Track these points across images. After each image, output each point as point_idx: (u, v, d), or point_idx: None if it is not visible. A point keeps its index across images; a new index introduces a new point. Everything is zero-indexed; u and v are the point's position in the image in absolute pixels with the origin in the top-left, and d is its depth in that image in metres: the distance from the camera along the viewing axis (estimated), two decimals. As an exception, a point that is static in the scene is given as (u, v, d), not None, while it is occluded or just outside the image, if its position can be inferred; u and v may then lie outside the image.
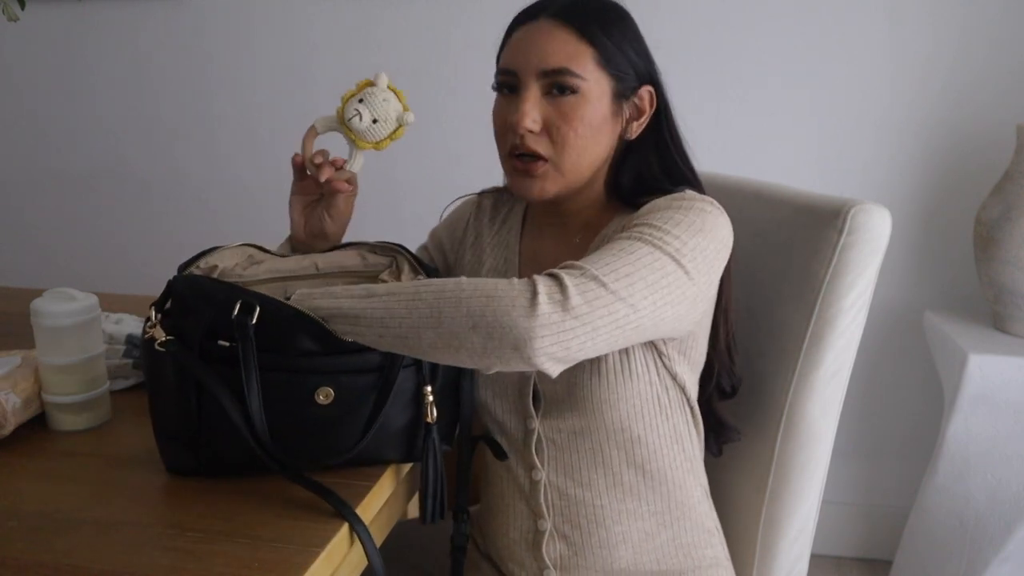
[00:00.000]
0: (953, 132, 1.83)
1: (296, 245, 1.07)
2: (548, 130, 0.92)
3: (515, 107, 0.92)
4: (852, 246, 0.97)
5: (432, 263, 1.14)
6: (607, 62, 0.92)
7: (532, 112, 0.91)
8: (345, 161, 1.01)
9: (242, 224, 2.18)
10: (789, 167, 1.88)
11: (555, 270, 0.79)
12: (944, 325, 1.75)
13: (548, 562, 0.99)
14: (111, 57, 2.16)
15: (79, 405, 0.95)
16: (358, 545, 0.77)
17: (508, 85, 0.94)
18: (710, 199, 0.92)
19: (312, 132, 1.00)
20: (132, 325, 1.12)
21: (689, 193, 0.92)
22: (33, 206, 2.32)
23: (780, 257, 1.05)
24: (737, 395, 1.05)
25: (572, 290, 0.76)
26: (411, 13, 1.97)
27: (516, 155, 0.94)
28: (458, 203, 1.17)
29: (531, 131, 0.92)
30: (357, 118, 0.96)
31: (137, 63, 2.15)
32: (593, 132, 0.92)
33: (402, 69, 2.00)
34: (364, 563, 0.79)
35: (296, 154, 1.02)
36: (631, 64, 0.94)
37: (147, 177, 2.23)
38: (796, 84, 1.85)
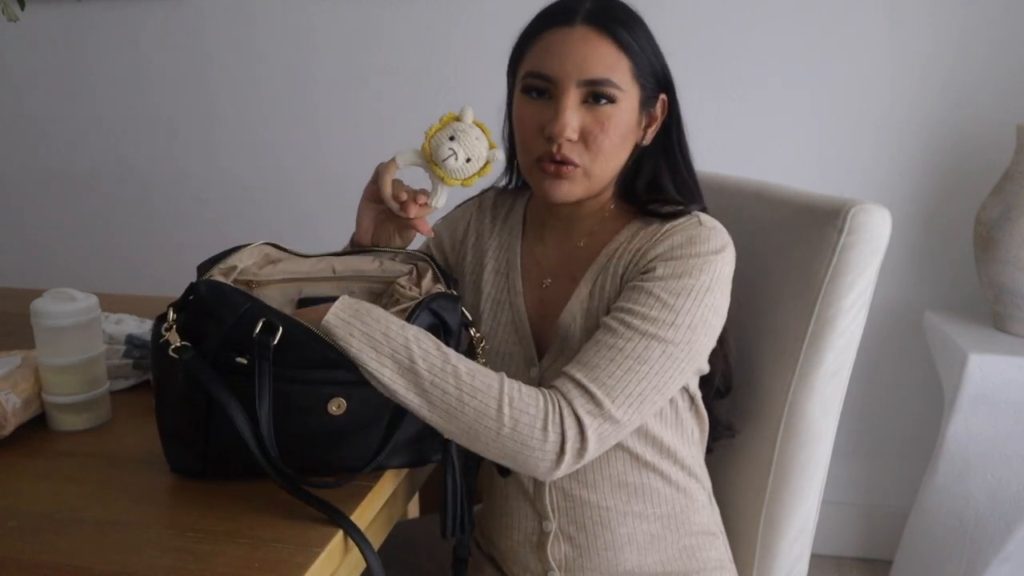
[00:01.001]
0: (953, 132, 1.83)
1: (357, 247, 1.05)
2: (584, 138, 0.92)
3: (553, 114, 0.91)
4: (852, 246, 0.97)
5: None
6: (639, 73, 0.92)
7: (573, 122, 0.91)
8: (428, 195, 0.98)
9: (242, 224, 2.18)
10: (789, 167, 1.88)
11: (579, 410, 0.82)
12: (944, 325, 1.75)
13: (553, 563, 0.99)
14: (111, 57, 2.16)
15: (79, 405, 0.95)
16: (360, 552, 0.76)
17: (539, 89, 0.93)
18: (718, 228, 0.93)
19: (392, 165, 0.97)
20: (132, 325, 1.11)
21: (702, 231, 0.91)
22: (33, 206, 2.32)
23: (780, 257, 1.05)
24: (736, 395, 1.05)
25: (592, 441, 0.82)
26: (411, 13, 1.97)
27: (547, 159, 0.93)
28: (457, 209, 1.16)
29: (570, 139, 0.91)
30: (453, 158, 0.94)
31: (137, 63, 2.15)
32: (622, 140, 0.93)
33: (402, 69, 2.01)
34: (364, 563, 0.79)
35: (376, 180, 0.99)
36: (654, 73, 0.94)
37: (147, 177, 2.23)
38: (796, 84, 1.85)
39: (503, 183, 1.10)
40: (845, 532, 2.05)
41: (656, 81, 0.95)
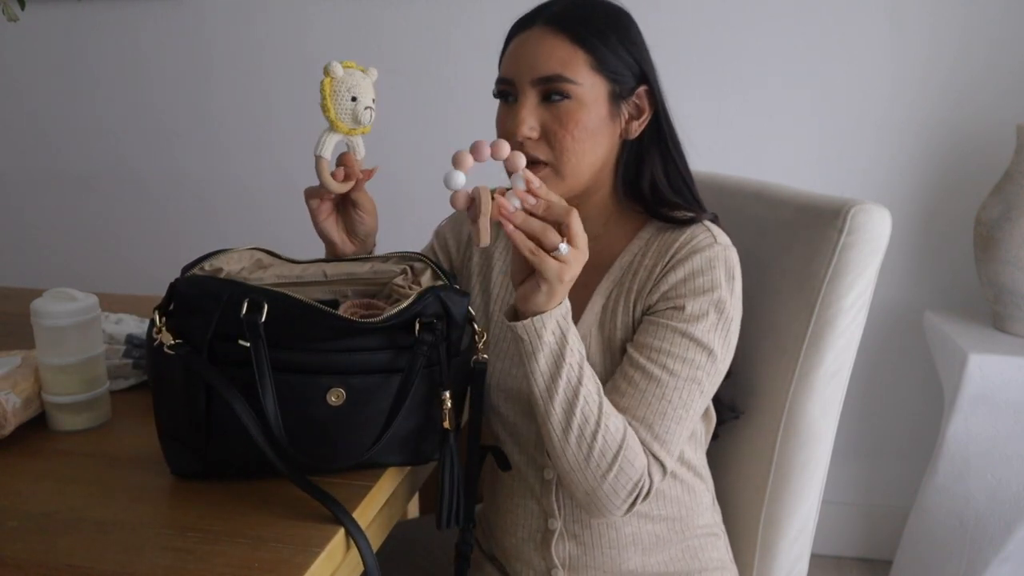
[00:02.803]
0: (953, 132, 1.83)
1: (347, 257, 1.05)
2: (546, 136, 0.93)
3: (513, 115, 0.93)
4: (852, 246, 0.97)
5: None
6: (602, 65, 0.92)
7: (529, 119, 0.92)
8: (353, 161, 1.00)
9: (242, 224, 2.18)
10: (789, 167, 1.88)
11: (654, 476, 0.89)
12: (944, 325, 1.75)
13: (556, 561, 0.99)
14: (111, 57, 2.16)
15: (79, 405, 0.95)
16: (357, 549, 0.77)
17: (506, 94, 0.95)
18: (730, 245, 0.94)
19: (323, 163, 0.98)
20: (132, 325, 1.11)
21: (718, 251, 0.92)
22: (33, 206, 2.32)
23: (780, 257, 1.05)
24: (736, 395, 1.05)
25: (653, 491, 0.90)
26: (411, 13, 1.97)
27: None
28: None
29: (529, 138, 0.92)
30: (370, 111, 0.98)
31: (137, 63, 2.15)
32: (591, 135, 0.93)
33: (402, 69, 2.01)
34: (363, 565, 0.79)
35: (315, 194, 1.01)
36: (626, 65, 0.94)
37: (147, 177, 2.23)
38: (796, 84, 1.85)
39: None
40: (845, 532, 2.05)
41: (631, 73, 0.94)
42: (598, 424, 0.85)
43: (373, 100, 0.98)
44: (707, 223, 0.95)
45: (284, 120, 2.10)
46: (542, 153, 0.93)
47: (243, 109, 2.12)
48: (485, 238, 0.81)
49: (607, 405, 0.87)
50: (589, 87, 0.92)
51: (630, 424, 0.88)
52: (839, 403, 1.04)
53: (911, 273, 1.90)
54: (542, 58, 0.92)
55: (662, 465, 0.89)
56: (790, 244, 1.04)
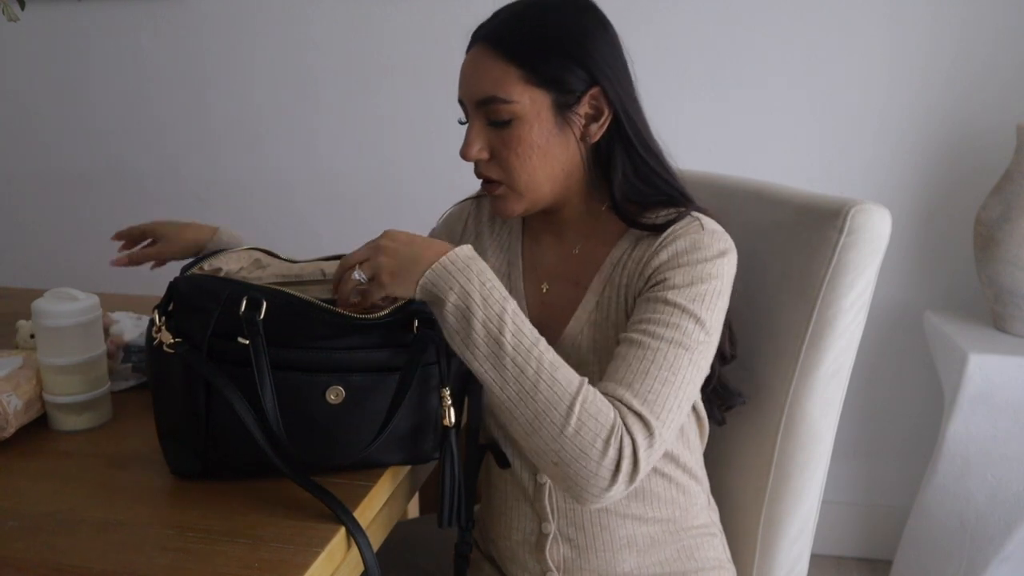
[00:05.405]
0: (953, 132, 1.83)
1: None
2: (494, 157, 0.93)
3: (465, 138, 0.94)
4: (852, 246, 0.97)
5: None
6: (537, 77, 0.90)
7: (476, 142, 0.93)
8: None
9: (241, 224, 2.16)
10: (789, 167, 1.88)
11: (637, 435, 0.79)
12: (944, 325, 1.75)
13: (551, 564, 0.99)
14: (111, 57, 2.16)
15: (80, 405, 0.95)
16: (357, 547, 0.77)
17: (464, 115, 0.96)
18: (720, 232, 0.91)
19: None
20: (129, 325, 1.11)
21: (704, 236, 0.90)
22: (33, 206, 2.32)
23: (780, 257, 1.05)
24: (740, 372, 1.04)
25: (643, 467, 0.80)
26: (411, 13, 1.97)
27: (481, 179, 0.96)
28: (456, 207, 1.16)
29: (480, 159, 0.93)
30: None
31: (137, 63, 2.15)
32: (539, 150, 0.92)
33: (402, 68, 2.01)
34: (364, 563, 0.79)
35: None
36: (568, 71, 0.91)
37: (146, 177, 2.22)
38: (796, 84, 1.85)
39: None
40: (845, 532, 2.05)
41: (576, 77, 0.91)
42: (538, 373, 0.79)
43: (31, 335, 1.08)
44: (695, 214, 0.93)
45: (283, 120, 2.10)
46: (494, 173, 0.94)
47: (242, 109, 2.12)
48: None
49: (550, 355, 0.81)
50: (528, 102, 0.90)
51: (607, 388, 0.83)
52: (839, 403, 1.04)
53: (911, 273, 1.90)
54: (476, 79, 0.92)
55: (646, 424, 0.80)
56: (790, 244, 1.04)
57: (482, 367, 0.80)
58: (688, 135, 0.99)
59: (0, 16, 1.26)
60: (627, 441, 0.79)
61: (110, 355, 1.04)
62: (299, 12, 2.03)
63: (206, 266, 0.89)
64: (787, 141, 1.88)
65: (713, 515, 1.05)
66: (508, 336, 0.79)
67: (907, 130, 1.84)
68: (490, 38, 0.92)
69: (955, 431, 1.66)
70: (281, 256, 0.97)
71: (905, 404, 1.97)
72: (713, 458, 1.08)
